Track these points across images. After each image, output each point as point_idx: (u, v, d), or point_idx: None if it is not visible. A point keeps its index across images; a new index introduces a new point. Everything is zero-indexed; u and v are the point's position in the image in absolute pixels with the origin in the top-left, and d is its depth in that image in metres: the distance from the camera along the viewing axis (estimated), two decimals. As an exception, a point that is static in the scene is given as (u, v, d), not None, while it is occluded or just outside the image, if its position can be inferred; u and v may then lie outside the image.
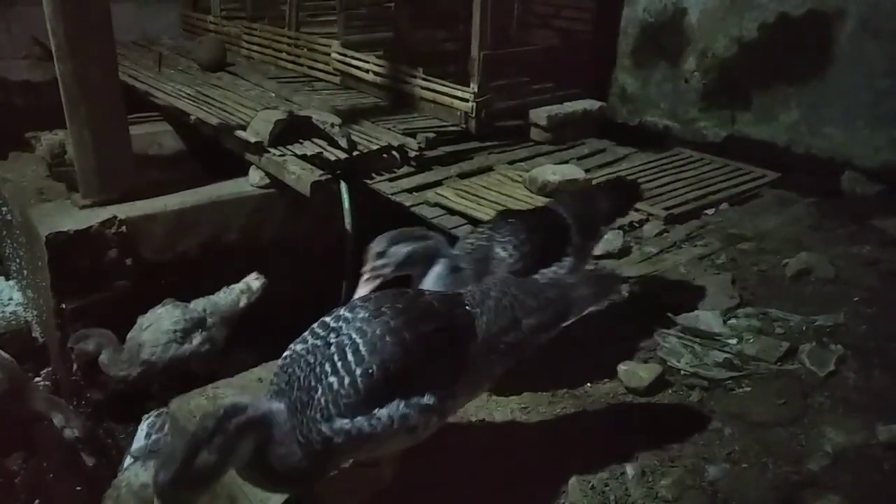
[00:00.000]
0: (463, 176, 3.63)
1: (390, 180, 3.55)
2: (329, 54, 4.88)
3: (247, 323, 3.25)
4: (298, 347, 1.45)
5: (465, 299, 1.58)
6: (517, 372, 1.67)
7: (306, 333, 1.48)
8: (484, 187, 3.44)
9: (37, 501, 2.75)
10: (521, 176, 3.52)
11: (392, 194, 3.40)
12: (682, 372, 1.98)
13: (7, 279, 3.82)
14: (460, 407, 1.56)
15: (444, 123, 4.07)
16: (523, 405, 1.92)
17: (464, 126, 4.02)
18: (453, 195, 3.33)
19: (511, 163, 3.81)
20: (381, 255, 1.78)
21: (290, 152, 3.42)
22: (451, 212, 3.22)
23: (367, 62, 4.58)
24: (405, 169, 3.67)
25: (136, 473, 2.49)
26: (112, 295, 3.12)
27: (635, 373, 1.91)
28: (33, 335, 3.43)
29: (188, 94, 4.19)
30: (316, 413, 1.35)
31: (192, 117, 3.75)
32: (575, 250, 1.99)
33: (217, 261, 3.37)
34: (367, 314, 1.45)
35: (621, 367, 1.96)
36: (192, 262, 3.32)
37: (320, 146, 3.53)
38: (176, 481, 1.22)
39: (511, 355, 1.59)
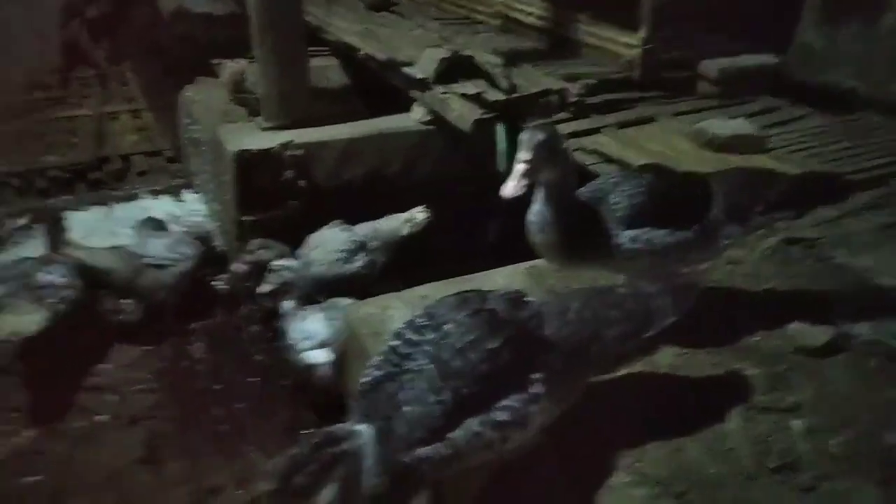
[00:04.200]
0: (622, 125, 3.55)
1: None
2: (492, -4, 4.88)
3: (402, 253, 3.45)
4: (377, 374, 1.49)
5: (536, 306, 1.57)
6: (675, 326, 1.64)
7: (380, 358, 1.51)
8: (645, 137, 3.35)
9: (217, 387, 3.11)
10: (685, 129, 3.40)
11: (549, 139, 3.41)
12: (862, 339, 1.89)
13: (193, 192, 4.24)
14: (548, 418, 1.54)
15: (607, 70, 3.98)
16: (683, 353, 1.91)
17: (627, 74, 3.91)
18: (612, 143, 3.29)
19: (675, 115, 3.67)
20: (544, 143, 1.64)
21: (452, 90, 3.50)
22: (609, 160, 3.18)
23: (531, 5, 4.54)
24: (563, 114, 3.65)
25: None
26: (285, 213, 3.40)
27: (809, 332, 1.84)
28: (214, 244, 3.80)
29: (357, 31, 4.37)
30: (398, 443, 1.39)
31: (362, 52, 3.91)
32: (705, 228, 1.86)
33: (378, 191, 3.56)
34: (433, 335, 1.47)
35: (792, 326, 1.90)
36: (355, 190, 3.54)
37: (481, 86, 3.58)
38: (277, 492, 1.30)
39: (593, 366, 1.59)
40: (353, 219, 3.40)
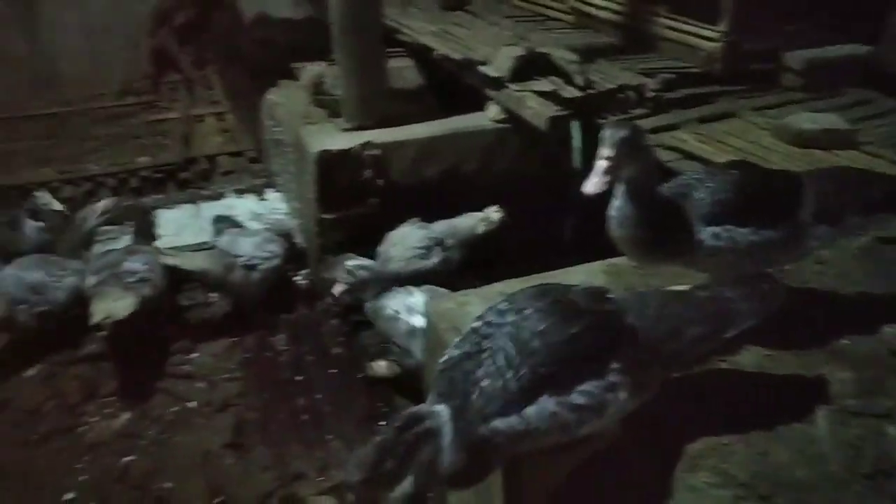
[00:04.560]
0: (703, 120, 3.48)
1: (623, 120, 3.51)
2: (565, -8, 4.86)
3: (477, 251, 3.50)
4: (455, 353, 1.52)
5: (617, 300, 1.56)
6: (763, 327, 1.61)
7: (461, 340, 1.55)
8: (726, 133, 3.27)
9: (298, 378, 3.24)
10: (769, 123, 3.29)
11: (625, 135, 3.37)
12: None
13: (275, 191, 4.41)
14: (624, 410, 1.52)
15: (685, 65, 3.90)
16: (768, 354, 1.87)
17: (707, 68, 3.82)
18: (692, 139, 3.22)
19: (758, 109, 3.56)
20: (626, 140, 1.62)
21: (527, 88, 3.51)
22: (689, 156, 3.12)
23: (606, 0, 4.49)
24: (640, 110, 3.60)
25: None
26: (364, 211, 3.49)
27: (906, 334, 1.77)
28: (294, 241, 3.94)
29: (431, 31, 4.43)
30: (473, 416, 1.42)
31: (437, 52, 3.97)
32: (793, 227, 1.79)
33: (454, 189, 3.60)
34: (514, 318, 1.49)
35: (889, 329, 1.82)
36: (432, 188, 3.59)
37: (556, 83, 3.57)
38: (365, 482, 1.36)
39: (672, 364, 1.57)
40: (429, 217, 3.46)
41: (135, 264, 3.26)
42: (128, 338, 3.23)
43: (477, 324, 1.55)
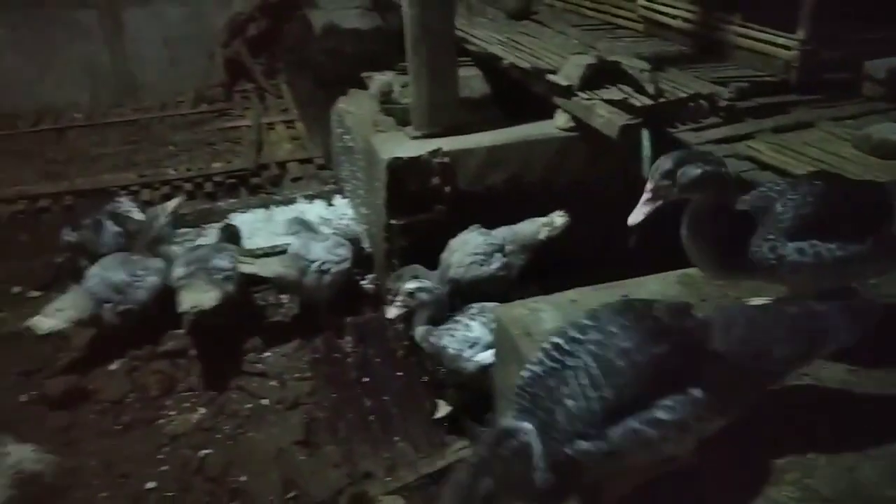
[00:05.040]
0: (778, 130, 3.40)
1: (695, 130, 3.46)
2: (634, 0, 4.82)
3: (540, 257, 3.49)
4: (537, 369, 1.50)
5: (702, 318, 1.53)
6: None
7: (541, 355, 1.53)
8: (804, 143, 3.19)
9: (365, 379, 3.31)
10: (849, 134, 3.19)
11: (697, 144, 3.32)
12: None
13: (342, 197, 4.52)
14: (708, 429, 1.50)
15: (760, 73, 3.82)
16: (854, 370, 1.82)
17: (783, 77, 3.73)
18: (767, 149, 3.15)
19: (837, 119, 3.46)
20: (668, 174, 1.64)
21: (597, 96, 3.50)
22: (764, 167, 3.06)
23: (676, 8, 4.44)
24: (712, 119, 3.55)
25: None
26: (431, 217, 3.54)
27: None
28: (362, 245, 4.02)
29: (499, 41, 4.47)
30: (559, 435, 1.41)
31: (505, 62, 4.00)
32: (882, 241, 1.73)
33: (519, 197, 3.62)
34: (598, 336, 1.46)
35: None
36: (497, 196, 3.62)
37: (626, 92, 3.55)
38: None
39: (761, 385, 1.53)
40: (495, 224, 3.49)
41: (222, 261, 3.45)
42: (209, 330, 3.41)
43: (558, 339, 1.53)
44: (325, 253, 3.55)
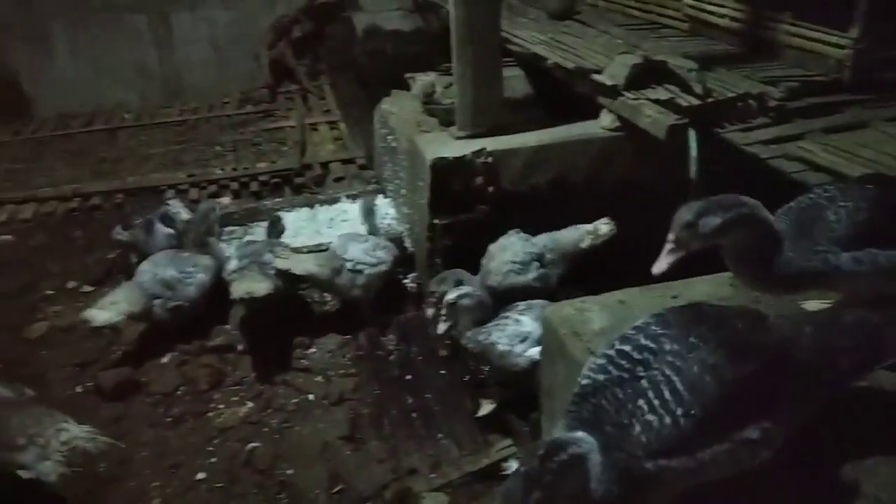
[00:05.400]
0: (829, 131, 3.35)
1: (744, 130, 3.42)
2: (679, 0, 4.77)
3: (582, 263, 3.44)
4: (600, 377, 1.45)
5: (775, 325, 1.50)
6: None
7: (603, 362, 1.47)
8: (857, 144, 3.14)
9: (408, 377, 3.34)
10: (905, 134, 3.12)
11: (746, 145, 3.29)
12: None
13: (384, 197, 4.56)
14: (780, 441, 1.47)
15: (810, 73, 3.76)
16: (912, 373, 1.77)
17: (835, 76, 3.66)
18: (819, 150, 3.11)
19: (891, 120, 3.39)
20: (689, 225, 1.64)
21: (643, 96, 3.48)
22: (816, 167, 3.01)
23: (724, 6, 4.38)
24: (761, 120, 3.50)
25: None
26: (474, 217, 3.55)
27: None
28: (404, 245, 4.06)
29: (542, 41, 4.46)
30: (637, 450, 1.36)
31: (549, 61, 3.99)
32: None
33: (562, 197, 3.61)
34: (676, 346, 1.41)
35: None
36: (540, 196, 3.61)
37: (673, 91, 3.52)
38: None
39: (826, 395, 1.50)
40: (538, 224, 3.47)
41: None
42: (257, 325, 3.51)
43: (624, 346, 1.48)
44: (362, 254, 3.58)
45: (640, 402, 1.39)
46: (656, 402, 1.37)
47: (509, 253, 3.31)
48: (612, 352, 1.49)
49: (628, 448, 1.37)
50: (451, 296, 2.99)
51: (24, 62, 6.87)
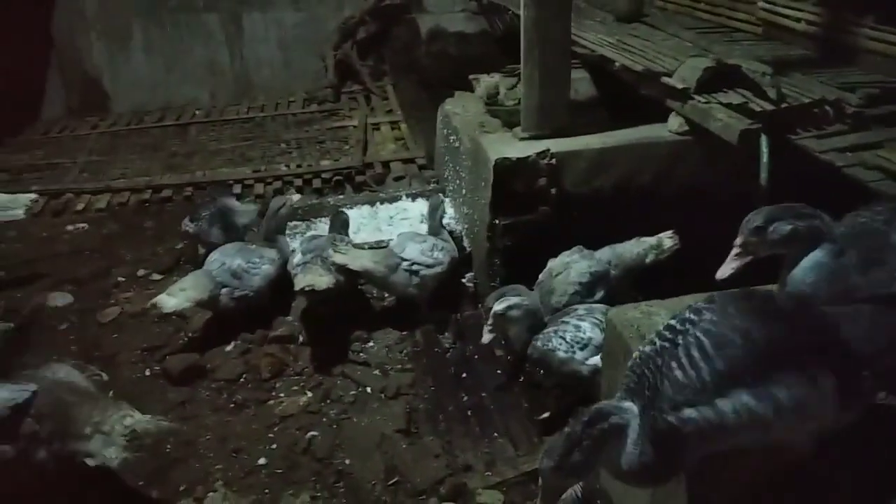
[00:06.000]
0: (912, 139, 3.20)
1: (819, 137, 3.30)
2: (753, 3, 4.64)
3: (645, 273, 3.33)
4: (647, 349, 1.52)
5: (825, 310, 1.50)
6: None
7: (653, 336, 1.55)
8: (942, 153, 2.99)
9: (464, 374, 3.35)
10: None
11: (820, 152, 3.17)
12: None
13: (444, 196, 4.59)
14: (831, 416, 1.45)
15: (890, 79, 3.60)
16: None
17: (919, 83, 3.50)
18: (900, 159, 2.97)
19: (982, 128, 3.22)
20: (759, 230, 1.65)
21: (714, 100, 3.41)
22: (895, 177, 2.88)
23: (801, 10, 4.25)
24: (837, 126, 3.37)
25: None
26: (535, 218, 3.55)
27: None
28: (463, 244, 4.08)
29: (609, 43, 4.42)
30: (663, 403, 1.42)
31: (617, 64, 3.95)
32: None
33: (626, 202, 3.57)
34: (712, 316, 1.46)
35: None
36: (604, 200, 3.57)
37: (745, 96, 3.44)
38: (556, 469, 1.45)
39: (888, 379, 1.47)
40: (600, 228, 3.41)
41: None
42: (319, 317, 3.60)
43: (672, 321, 1.54)
44: (420, 254, 3.60)
45: (673, 363, 1.45)
46: (685, 361, 1.44)
47: (574, 273, 3.18)
48: (661, 329, 1.56)
49: (658, 405, 1.44)
50: (498, 307, 2.97)
51: (104, 60, 7.19)
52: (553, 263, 3.29)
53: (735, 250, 1.70)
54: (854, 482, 1.56)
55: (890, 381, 1.50)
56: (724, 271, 1.70)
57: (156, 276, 4.29)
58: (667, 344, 1.50)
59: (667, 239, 3.30)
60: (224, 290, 3.62)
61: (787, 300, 1.55)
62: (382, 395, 3.21)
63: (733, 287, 2.21)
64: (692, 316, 1.51)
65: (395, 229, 4.35)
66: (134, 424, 2.47)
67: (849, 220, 1.76)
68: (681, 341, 1.47)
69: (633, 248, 3.31)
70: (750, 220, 1.69)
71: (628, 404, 1.50)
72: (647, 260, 3.28)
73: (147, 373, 3.48)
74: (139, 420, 2.49)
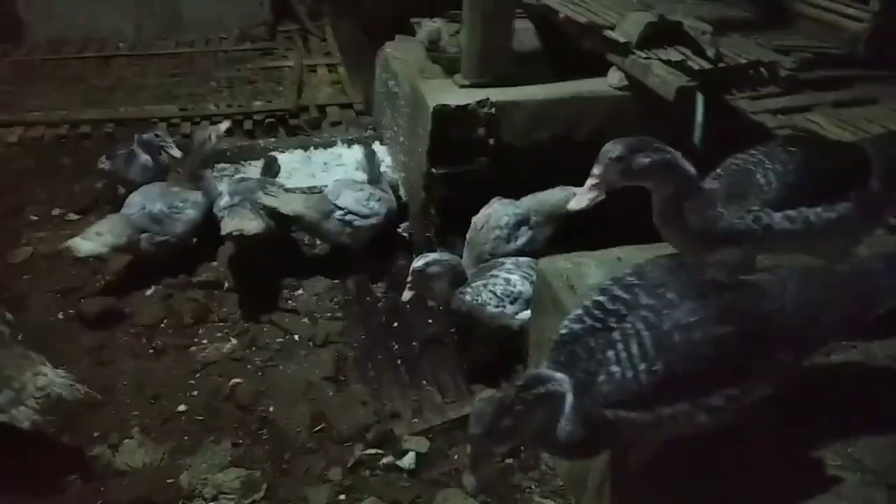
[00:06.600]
0: (839, 105, 3.26)
1: (752, 98, 3.34)
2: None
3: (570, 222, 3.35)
4: (576, 327, 1.47)
5: (757, 282, 1.48)
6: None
7: (581, 312, 1.49)
8: (866, 119, 3.07)
9: (395, 324, 3.32)
10: (916, 112, 3.07)
11: (752, 113, 3.21)
12: None
13: (381, 144, 4.48)
14: (756, 399, 1.47)
15: (824, 45, 3.67)
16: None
17: (850, 50, 3.58)
18: (827, 123, 3.04)
19: (903, 97, 3.33)
20: (619, 160, 1.63)
21: (654, 56, 3.40)
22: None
23: (742, -28, 4.27)
24: (771, 89, 3.43)
25: None
26: (472, 168, 3.49)
27: None
28: (398, 193, 3.99)
29: (554, -6, 4.33)
30: (598, 398, 1.39)
31: (561, 15, 3.88)
32: (861, 197, 1.71)
33: (565, 154, 3.54)
34: (651, 301, 1.40)
35: None
36: (542, 152, 3.54)
37: (684, 53, 3.44)
38: (485, 435, 1.39)
39: (808, 354, 1.50)
40: (538, 181, 3.39)
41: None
42: (246, 263, 3.47)
43: (600, 297, 1.49)
44: (355, 203, 3.49)
45: (609, 352, 1.40)
46: (623, 355, 1.39)
47: (496, 219, 3.20)
48: (588, 303, 1.50)
49: (592, 395, 1.40)
50: (417, 263, 2.92)
51: (17, -17, 6.61)
52: (476, 218, 3.28)
53: (591, 180, 1.67)
54: (767, 433, 1.60)
55: (811, 354, 1.52)
56: (580, 202, 1.67)
57: (72, 216, 4.06)
58: (598, 325, 1.45)
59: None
60: (144, 235, 3.44)
61: (720, 267, 1.52)
62: (311, 343, 3.15)
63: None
64: (623, 294, 1.46)
65: (330, 176, 4.21)
66: (47, 387, 2.32)
67: (727, 161, 1.82)
68: (615, 325, 1.42)
69: (555, 195, 3.31)
70: (610, 149, 1.66)
71: (562, 376, 1.45)
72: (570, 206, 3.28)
73: (60, 316, 3.31)
74: (54, 382, 2.35)
